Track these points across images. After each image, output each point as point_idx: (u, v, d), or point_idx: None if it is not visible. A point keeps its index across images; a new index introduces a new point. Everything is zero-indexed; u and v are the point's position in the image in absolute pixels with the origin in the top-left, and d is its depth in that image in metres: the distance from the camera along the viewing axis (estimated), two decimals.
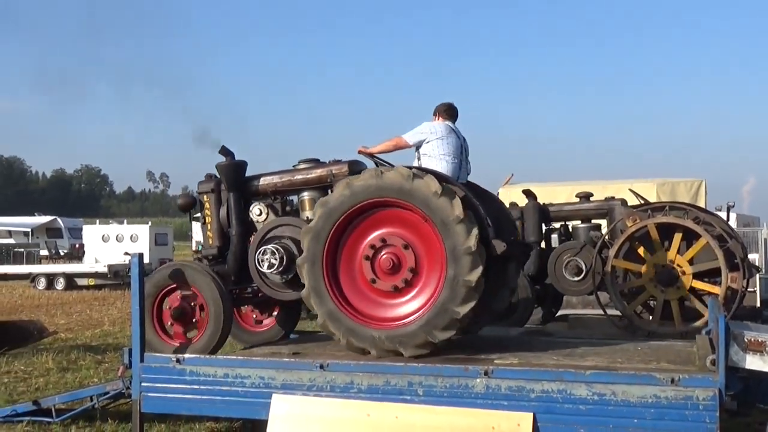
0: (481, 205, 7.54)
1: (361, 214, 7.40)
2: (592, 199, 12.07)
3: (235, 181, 8.66)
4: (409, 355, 7.16)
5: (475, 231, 7.01)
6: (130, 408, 7.87)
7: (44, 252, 43.19)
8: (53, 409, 8.34)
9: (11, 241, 46.14)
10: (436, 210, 7.04)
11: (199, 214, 9.09)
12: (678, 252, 9.71)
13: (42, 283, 32.56)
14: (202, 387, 7.43)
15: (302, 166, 8.69)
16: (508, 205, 12.68)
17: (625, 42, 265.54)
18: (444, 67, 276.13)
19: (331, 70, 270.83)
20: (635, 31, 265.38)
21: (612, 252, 9.97)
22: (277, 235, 8.34)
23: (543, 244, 12.03)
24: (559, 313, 13.14)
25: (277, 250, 8.07)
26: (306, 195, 8.59)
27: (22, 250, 37.13)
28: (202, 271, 8.16)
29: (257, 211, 8.61)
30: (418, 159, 7.97)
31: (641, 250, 9.86)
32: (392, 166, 7.71)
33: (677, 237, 9.71)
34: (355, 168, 8.25)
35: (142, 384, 7.67)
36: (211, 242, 8.85)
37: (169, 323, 8.24)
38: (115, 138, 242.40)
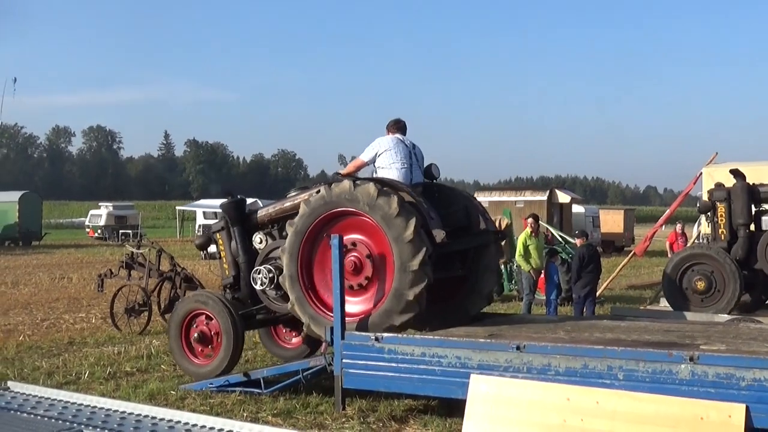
0: (439, 200, 8.95)
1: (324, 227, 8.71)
2: None
3: (237, 216, 10.04)
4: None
5: (395, 198, 8.18)
6: (333, 383, 8.24)
7: None
8: (262, 381, 8.86)
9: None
10: (358, 198, 8.36)
11: (215, 251, 10.46)
12: None
13: None
14: (400, 365, 7.66)
15: (292, 193, 9.89)
16: (713, 186, 12.12)
17: None
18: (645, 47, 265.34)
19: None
20: None
21: None
22: (271, 257, 9.55)
23: (752, 227, 11.37)
24: None
25: (267, 269, 9.31)
26: None
27: None
28: (218, 300, 9.56)
29: (258, 240, 9.90)
30: (375, 171, 9.07)
31: None
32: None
33: None
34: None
35: (344, 360, 8.01)
36: (227, 273, 10.15)
37: (196, 347, 9.69)
38: (310, 123, 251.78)
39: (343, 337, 8.05)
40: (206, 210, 55.89)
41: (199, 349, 9.71)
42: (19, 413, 7.07)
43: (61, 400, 7.50)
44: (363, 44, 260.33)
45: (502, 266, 19.09)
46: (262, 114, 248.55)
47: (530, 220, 15.28)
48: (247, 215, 10.09)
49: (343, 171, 9.37)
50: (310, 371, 8.59)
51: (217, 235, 10.31)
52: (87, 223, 61.40)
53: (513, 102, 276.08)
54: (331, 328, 8.17)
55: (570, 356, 6.79)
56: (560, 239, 20.47)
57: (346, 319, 8.35)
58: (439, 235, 8.29)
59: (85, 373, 10.30)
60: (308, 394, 8.86)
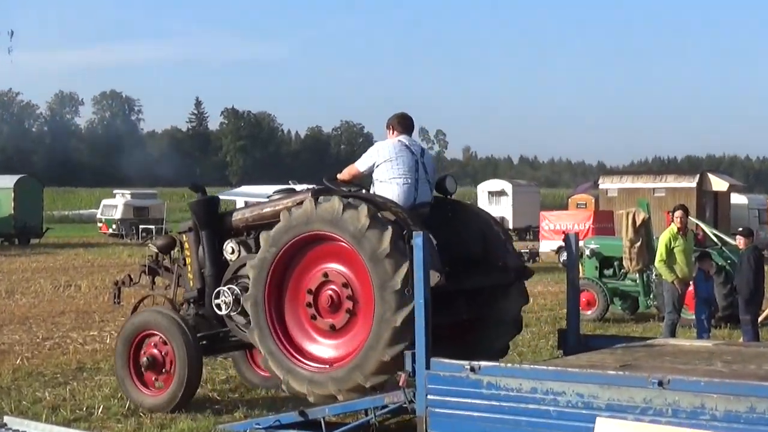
0: (451, 221, 9.36)
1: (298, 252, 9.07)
2: None
3: (207, 218, 10.43)
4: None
5: (364, 209, 8.43)
6: (414, 425, 8.25)
7: None
8: (322, 422, 8.92)
9: None
10: (321, 218, 8.72)
11: (179, 256, 10.95)
12: None
13: None
14: (503, 404, 7.64)
15: (275, 197, 10.23)
16: None
17: None
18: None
19: None
20: None
21: None
22: (240, 275, 9.88)
23: None
24: None
25: (231, 290, 9.72)
26: None
27: None
28: (172, 319, 10.04)
29: (230, 250, 10.20)
30: (373, 185, 9.37)
31: None
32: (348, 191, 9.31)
33: None
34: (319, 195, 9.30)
35: (429, 397, 8.02)
36: (191, 284, 10.62)
37: (145, 374, 10.26)
38: (382, 87, 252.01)
39: (428, 366, 8.05)
40: (249, 199, 56.76)
41: (149, 377, 10.27)
42: None
43: None
44: None
45: (637, 275, 18.85)
46: (319, 75, 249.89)
47: (677, 213, 15.02)
48: (221, 217, 10.47)
49: (339, 177, 9.60)
50: (384, 410, 8.62)
51: (184, 236, 10.72)
52: (99, 215, 62.96)
53: (647, 58, 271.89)
54: (413, 355, 8.18)
55: (731, 396, 6.68)
56: (715, 239, 20.10)
57: (323, 366, 8.85)
58: (434, 277, 8.38)
59: (98, 408, 10.52)
60: None
